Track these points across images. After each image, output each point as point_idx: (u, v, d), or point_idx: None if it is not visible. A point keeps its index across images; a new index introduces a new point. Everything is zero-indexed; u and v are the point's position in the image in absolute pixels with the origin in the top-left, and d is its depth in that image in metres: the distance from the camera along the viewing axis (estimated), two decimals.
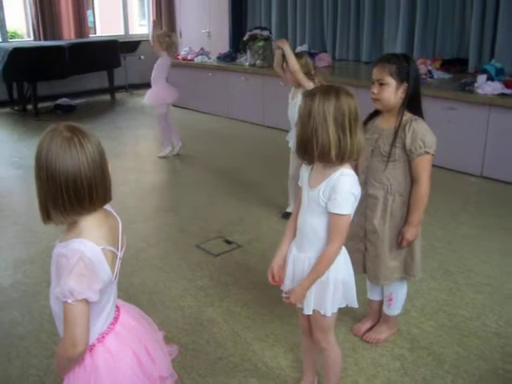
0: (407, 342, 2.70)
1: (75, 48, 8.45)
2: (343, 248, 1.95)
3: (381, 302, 2.72)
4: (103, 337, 1.55)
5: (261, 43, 7.53)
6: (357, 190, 1.85)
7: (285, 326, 2.83)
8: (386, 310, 2.69)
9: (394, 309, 2.66)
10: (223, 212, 4.40)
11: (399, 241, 2.42)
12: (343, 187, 1.81)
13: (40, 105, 8.26)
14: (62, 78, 8.43)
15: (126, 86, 10.20)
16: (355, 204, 1.87)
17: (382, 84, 2.31)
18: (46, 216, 1.42)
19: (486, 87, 5.08)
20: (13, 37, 10.79)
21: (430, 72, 6.12)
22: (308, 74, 3.73)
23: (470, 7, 6.55)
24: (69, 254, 1.38)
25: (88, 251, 1.40)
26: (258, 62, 7.51)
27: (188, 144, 6.15)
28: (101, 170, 1.44)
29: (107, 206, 1.55)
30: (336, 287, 1.95)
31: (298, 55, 3.81)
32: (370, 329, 2.75)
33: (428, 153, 2.28)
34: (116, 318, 1.61)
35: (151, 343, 1.67)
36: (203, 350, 2.65)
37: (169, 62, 5.76)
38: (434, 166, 2.36)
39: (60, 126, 1.43)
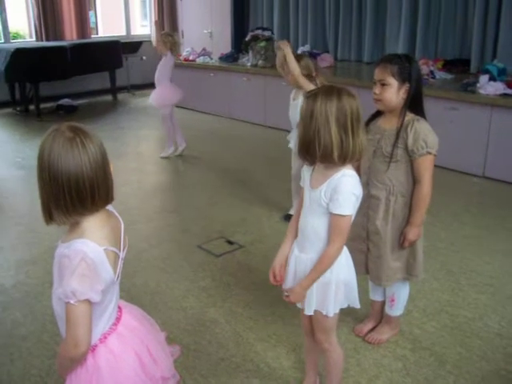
0: (409, 343, 2.70)
1: (77, 49, 8.46)
2: (345, 248, 1.95)
3: (383, 303, 2.72)
4: (105, 337, 1.55)
5: (263, 44, 7.53)
6: (358, 190, 1.85)
7: (287, 327, 2.82)
8: (388, 310, 2.68)
9: (396, 309, 2.66)
10: (225, 212, 4.41)
11: (401, 241, 2.42)
12: (345, 188, 1.81)
13: (42, 105, 8.27)
14: (64, 79, 8.45)
15: (128, 86, 10.21)
16: (357, 205, 1.87)
17: (383, 84, 2.31)
18: (49, 217, 1.43)
19: (488, 87, 5.07)
20: (15, 37, 10.82)
21: (432, 72, 6.11)
22: (309, 76, 3.72)
23: (473, 7, 6.55)
24: (71, 254, 1.38)
25: (90, 252, 1.40)
26: (260, 62, 7.51)
27: (190, 144, 6.15)
28: (103, 170, 1.44)
29: (109, 207, 1.55)
30: (338, 288, 1.94)
31: (299, 57, 3.80)
32: (372, 329, 2.75)
33: (430, 153, 2.28)
34: (118, 319, 1.61)
35: (153, 344, 1.67)
36: (205, 351, 2.65)
37: (172, 62, 5.76)
38: (436, 166, 2.36)
39: (62, 126, 1.43)
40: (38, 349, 2.68)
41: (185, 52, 8.82)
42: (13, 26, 10.29)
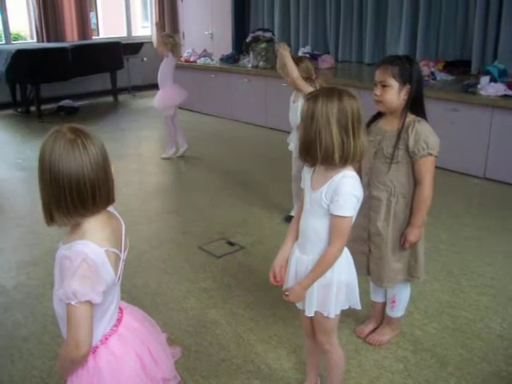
0: (410, 344, 2.69)
1: (78, 50, 8.47)
2: (346, 250, 1.95)
3: (384, 304, 2.72)
4: (106, 339, 1.55)
5: (263, 45, 7.54)
6: (359, 191, 1.85)
7: (288, 328, 2.82)
8: (389, 311, 2.68)
9: (398, 311, 2.66)
10: (226, 214, 4.41)
11: (402, 242, 2.42)
12: (345, 189, 1.81)
13: (43, 106, 8.28)
14: (65, 80, 8.46)
15: (129, 87, 10.22)
16: (357, 206, 1.86)
17: (384, 86, 2.31)
18: (50, 218, 1.43)
19: (489, 89, 5.07)
20: (16, 39, 10.82)
21: (432, 74, 6.12)
22: (309, 79, 3.72)
23: (473, 8, 6.55)
24: (72, 255, 1.38)
25: (91, 253, 1.40)
26: (261, 63, 7.51)
27: (192, 146, 6.15)
28: (104, 171, 1.44)
29: (110, 208, 1.55)
30: (339, 289, 1.94)
31: (299, 59, 3.80)
32: (373, 331, 2.75)
33: (431, 154, 2.28)
34: (119, 320, 1.61)
35: (154, 345, 1.67)
36: (206, 352, 2.65)
37: (174, 63, 5.77)
38: (436, 167, 2.36)
39: (63, 127, 1.43)
40: (38, 350, 2.68)
41: (185, 53, 8.83)
42: (14, 27, 10.30)
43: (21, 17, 10.80)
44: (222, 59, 8.45)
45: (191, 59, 8.59)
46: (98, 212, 1.46)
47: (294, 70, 3.61)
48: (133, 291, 3.17)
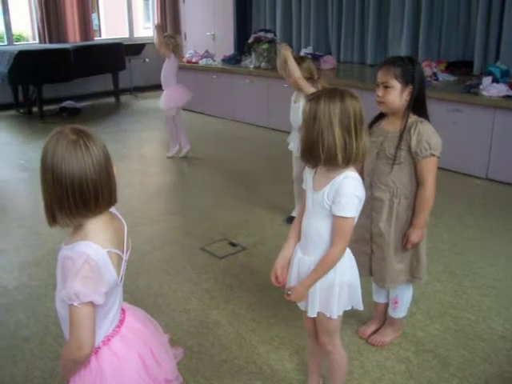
0: (412, 345, 2.69)
1: (80, 51, 8.48)
2: (348, 250, 1.95)
3: (386, 305, 2.72)
4: (109, 339, 1.55)
5: (265, 46, 7.54)
6: (361, 192, 1.85)
7: (290, 329, 2.82)
8: (391, 312, 2.68)
9: (400, 311, 2.66)
10: (228, 214, 4.41)
11: (404, 243, 2.41)
12: (347, 190, 1.81)
13: (45, 107, 8.29)
14: (67, 81, 8.46)
15: (131, 88, 10.23)
16: (359, 207, 1.86)
17: (386, 87, 2.31)
18: (52, 219, 1.43)
19: (491, 89, 5.07)
20: (18, 40, 10.85)
21: (434, 74, 6.11)
22: (311, 79, 3.72)
23: (475, 9, 6.54)
24: (74, 256, 1.39)
25: (94, 254, 1.40)
26: (263, 64, 7.52)
27: (194, 146, 6.15)
28: (106, 172, 1.44)
29: (112, 209, 1.55)
30: (342, 289, 1.94)
31: (300, 59, 3.80)
32: (376, 331, 2.75)
33: (433, 155, 2.28)
34: (121, 321, 1.61)
35: (156, 346, 1.67)
36: (208, 353, 2.65)
37: (176, 64, 5.78)
38: (439, 168, 2.35)
39: (65, 128, 1.43)
40: (40, 350, 2.68)
41: (187, 54, 8.83)
42: (16, 29, 10.33)
43: (23, 18, 10.83)
44: (223, 60, 8.45)
45: (193, 60, 8.60)
46: (101, 213, 1.46)
47: (295, 70, 3.61)
48: (135, 292, 3.17)
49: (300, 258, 1.98)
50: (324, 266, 1.88)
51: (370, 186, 2.39)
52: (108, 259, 1.44)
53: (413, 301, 2.72)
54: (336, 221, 1.84)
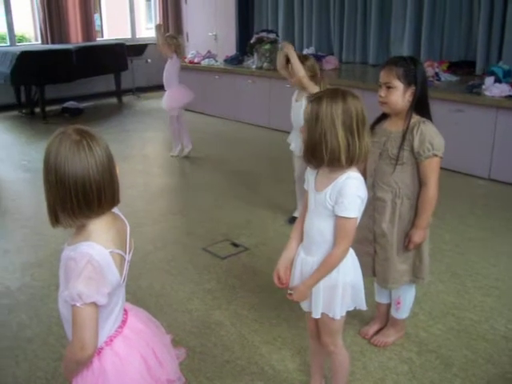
0: (415, 346, 2.69)
1: (82, 51, 8.49)
2: (351, 251, 1.95)
3: (389, 305, 2.72)
4: (111, 340, 1.55)
5: (267, 46, 7.54)
6: (363, 192, 1.85)
7: (292, 329, 2.82)
8: (393, 313, 2.68)
9: (402, 312, 2.65)
10: (230, 215, 4.41)
11: (406, 243, 2.41)
12: (350, 190, 1.81)
13: (48, 108, 8.29)
14: (69, 82, 8.47)
15: (133, 89, 10.23)
16: (362, 207, 1.86)
17: (389, 87, 2.31)
18: (55, 219, 1.43)
19: (494, 89, 5.07)
20: (21, 40, 10.87)
21: (437, 74, 6.11)
22: (314, 77, 3.72)
23: (477, 9, 6.54)
24: (77, 257, 1.39)
25: (96, 254, 1.40)
26: (265, 64, 7.52)
27: (196, 146, 6.16)
28: (109, 173, 1.44)
29: (115, 209, 1.55)
30: (345, 290, 1.94)
31: (304, 58, 3.79)
32: (378, 332, 2.75)
33: (436, 155, 2.27)
34: (124, 321, 1.61)
35: (159, 346, 1.67)
36: (211, 353, 2.65)
37: (178, 64, 5.79)
38: (441, 168, 2.35)
39: (68, 129, 1.43)
40: (43, 351, 2.68)
41: (190, 54, 8.83)
42: (18, 29, 10.34)
43: (25, 19, 10.85)
44: (226, 60, 8.45)
45: (195, 60, 8.60)
46: (103, 213, 1.47)
47: (300, 69, 3.61)
48: (137, 292, 3.18)
49: (303, 259, 1.98)
50: (327, 266, 1.88)
51: (372, 187, 2.39)
52: (111, 260, 1.44)
53: (415, 301, 2.72)
54: (339, 221, 1.84)
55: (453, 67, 6.59)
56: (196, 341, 2.75)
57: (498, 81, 5.17)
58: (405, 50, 7.22)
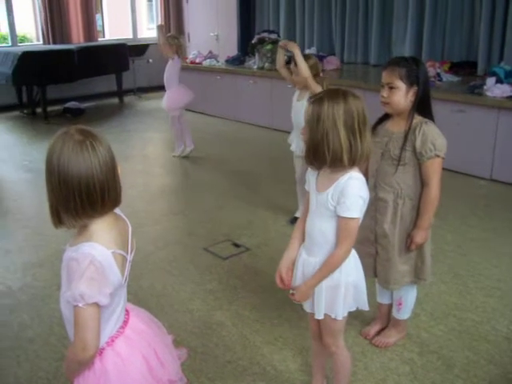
0: (417, 346, 2.69)
1: (84, 52, 8.50)
2: (353, 251, 1.94)
3: (390, 306, 2.71)
4: (113, 340, 1.55)
5: (269, 46, 7.54)
6: (365, 193, 1.85)
7: (293, 330, 2.82)
8: (395, 313, 2.67)
9: (404, 313, 2.65)
10: (231, 215, 4.41)
11: (408, 244, 2.41)
12: (352, 191, 1.80)
13: (49, 108, 8.30)
14: (70, 82, 8.48)
15: (135, 89, 10.24)
16: (364, 207, 1.86)
17: (391, 88, 2.30)
18: (58, 220, 1.42)
19: (495, 90, 5.06)
20: (22, 41, 10.89)
21: (438, 75, 6.10)
22: (316, 76, 3.72)
23: (479, 10, 6.54)
24: (79, 257, 1.39)
25: (98, 255, 1.40)
26: (267, 65, 7.52)
27: (197, 147, 6.16)
28: (112, 173, 1.44)
29: (117, 210, 1.55)
30: (347, 290, 1.94)
31: (306, 57, 3.79)
32: (379, 332, 2.74)
33: (438, 156, 2.27)
34: (126, 322, 1.61)
35: (160, 347, 1.67)
36: (212, 354, 2.65)
37: (179, 65, 5.79)
38: (443, 169, 2.35)
39: (71, 129, 1.43)
40: (45, 351, 2.68)
41: (191, 55, 8.84)
42: (20, 30, 10.35)
43: (27, 19, 10.85)
44: (227, 61, 8.45)
45: (197, 61, 8.61)
46: (106, 213, 1.46)
47: (306, 70, 3.61)
48: (139, 293, 3.18)
49: (305, 259, 1.98)
50: (329, 266, 1.88)
51: (374, 187, 2.39)
52: (113, 260, 1.44)
53: (417, 302, 2.71)
54: (341, 222, 1.84)
55: (454, 68, 6.58)
56: (197, 341, 2.74)
57: (499, 81, 5.17)
58: (406, 51, 7.21)
